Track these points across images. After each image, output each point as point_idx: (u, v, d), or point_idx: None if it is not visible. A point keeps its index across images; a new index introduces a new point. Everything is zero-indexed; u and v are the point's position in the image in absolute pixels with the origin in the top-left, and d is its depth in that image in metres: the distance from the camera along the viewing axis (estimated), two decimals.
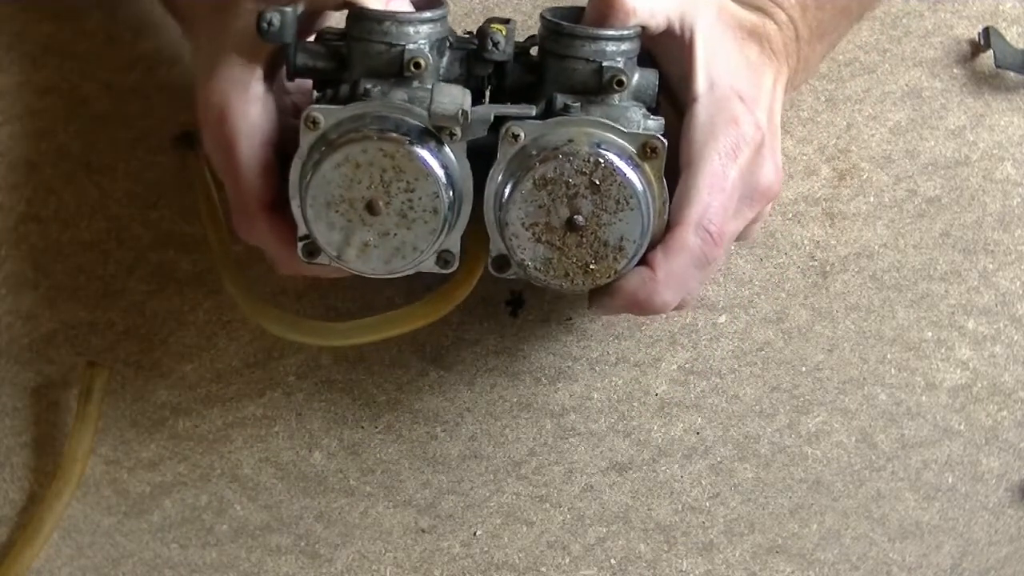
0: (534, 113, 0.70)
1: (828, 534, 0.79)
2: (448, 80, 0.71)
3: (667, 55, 0.72)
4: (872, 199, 0.78)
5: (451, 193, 0.68)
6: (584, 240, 0.68)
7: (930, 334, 0.82)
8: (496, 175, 0.69)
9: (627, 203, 0.68)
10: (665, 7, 0.71)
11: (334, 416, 0.81)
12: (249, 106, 0.70)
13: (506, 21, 0.72)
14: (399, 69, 0.69)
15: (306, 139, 0.68)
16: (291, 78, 0.71)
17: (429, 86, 0.68)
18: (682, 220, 0.70)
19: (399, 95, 0.69)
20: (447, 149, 0.68)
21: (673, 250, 0.70)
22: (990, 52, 0.85)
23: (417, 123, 0.68)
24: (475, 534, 0.79)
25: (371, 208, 0.68)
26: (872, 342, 0.81)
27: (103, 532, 0.78)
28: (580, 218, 0.68)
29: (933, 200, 0.84)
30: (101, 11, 0.86)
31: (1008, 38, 0.86)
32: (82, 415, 0.78)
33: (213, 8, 0.72)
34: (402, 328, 0.73)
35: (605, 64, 0.69)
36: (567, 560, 0.78)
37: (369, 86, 0.69)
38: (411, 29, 0.69)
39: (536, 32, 0.73)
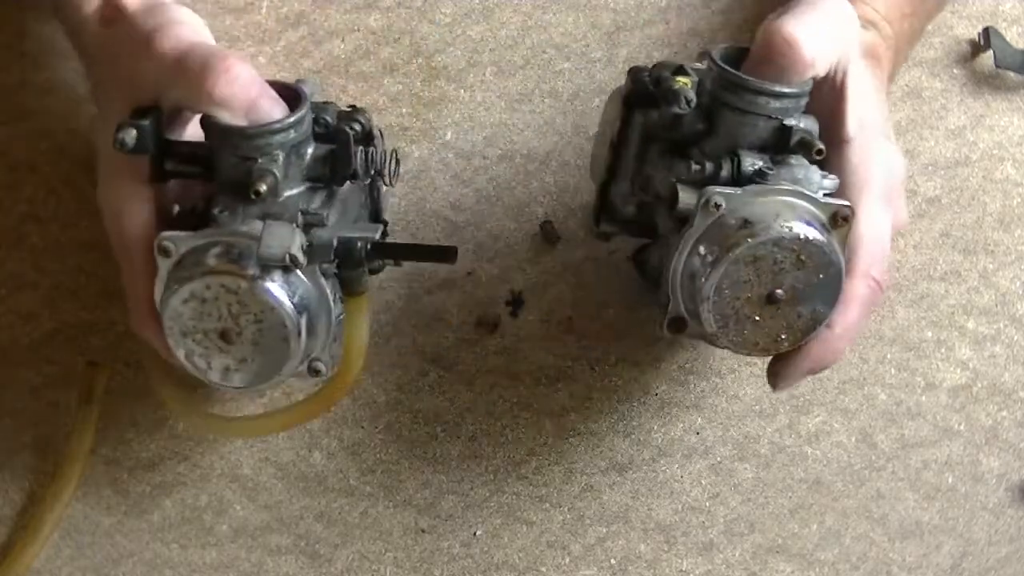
0: (377, 237, 0.69)
1: (828, 534, 0.79)
2: (312, 178, 0.70)
3: (816, 95, 0.71)
4: None
5: (304, 318, 0.68)
6: (780, 312, 0.68)
7: (930, 334, 0.82)
8: (690, 240, 0.68)
9: (827, 276, 0.67)
10: (830, 53, 0.70)
11: (334, 416, 0.81)
12: (141, 210, 0.69)
13: (681, 69, 0.71)
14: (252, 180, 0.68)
15: (163, 265, 0.68)
16: (158, 181, 0.70)
17: (281, 199, 0.68)
18: (851, 272, 0.70)
19: (253, 212, 0.68)
20: (297, 273, 0.68)
21: (847, 303, 0.70)
22: (990, 52, 0.85)
23: (256, 244, 0.67)
24: (475, 534, 0.79)
25: (224, 337, 0.68)
26: (872, 342, 0.81)
27: (103, 532, 0.78)
28: (781, 292, 0.68)
29: (933, 200, 0.84)
30: None
31: (1008, 38, 0.86)
32: (82, 415, 0.78)
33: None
34: (291, 425, 0.75)
35: (788, 123, 0.68)
36: (567, 560, 0.78)
37: (218, 210, 0.68)
38: (261, 142, 0.68)
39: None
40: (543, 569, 0.78)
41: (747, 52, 0.71)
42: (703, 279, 0.67)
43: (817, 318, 0.68)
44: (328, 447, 0.80)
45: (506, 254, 0.83)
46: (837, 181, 0.69)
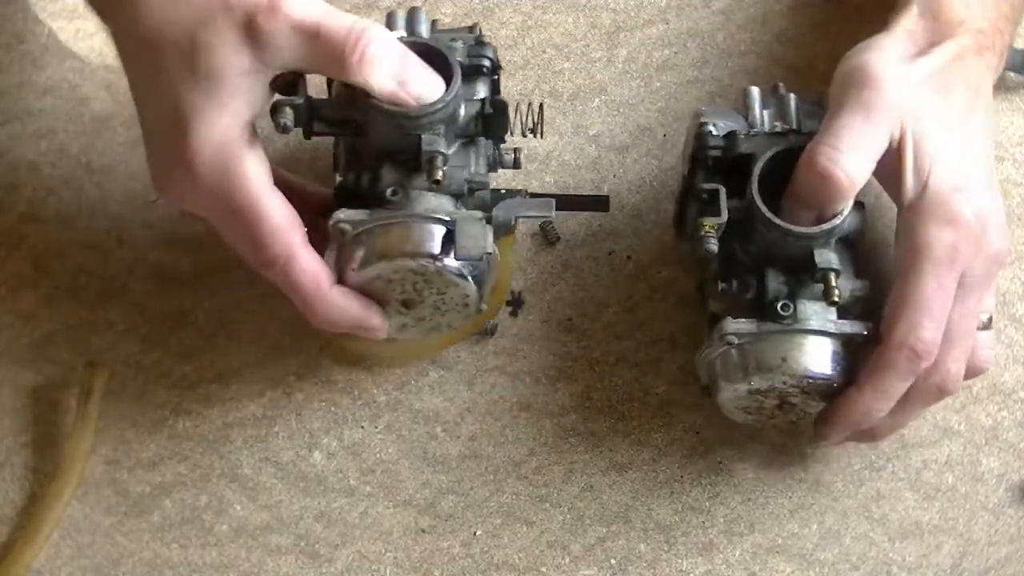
0: (552, 213, 0.73)
1: (828, 534, 0.79)
2: (465, 135, 0.71)
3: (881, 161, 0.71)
4: (872, 199, 0.77)
5: (481, 282, 0.71)
6: (791, 412, 0.75)
7: None
8: (710, 354, 0.74)
9: (832, 395, 0.73)
10: (870, 164, 0.69)
11: (334, 416, 0.81)
12: (255, 153, 0.68)
13: (717, 215, 0.72)
14: (415, 152, 0.69)
15: (335, 243, 0.71)
16: (305, 138, 0.72)
17: (445, 168, 0.69)
18: (888, 340, 0.70)
19: (419, 183, 0.70)
20: None
21: (878, 369, 0.70)
22: None
23: (441, 226, 0.69)
24: (475, 534, 0.79)
25: (406, 305, 0.72)
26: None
27: (103, 532, 0.78)
28: (788, 406, 0.74)
29: None
30: None
31: None
32: (82, 415, 0.78)
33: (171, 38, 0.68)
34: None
35: (818, 261, 0.71)
36: (567, 560, 0.78)
37: (390, 192, 0.69)
38: (424, 121, 0.69)
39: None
40: (543, 569, 0.78)
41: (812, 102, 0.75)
42: (716, 392, 0.75)
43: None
44: (328, 447, 0.80)
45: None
46: (867, 284, 0.72)
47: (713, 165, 0.74)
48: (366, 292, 0.71)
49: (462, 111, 0.71)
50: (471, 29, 0.76)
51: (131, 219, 0.83)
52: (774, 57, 0.87)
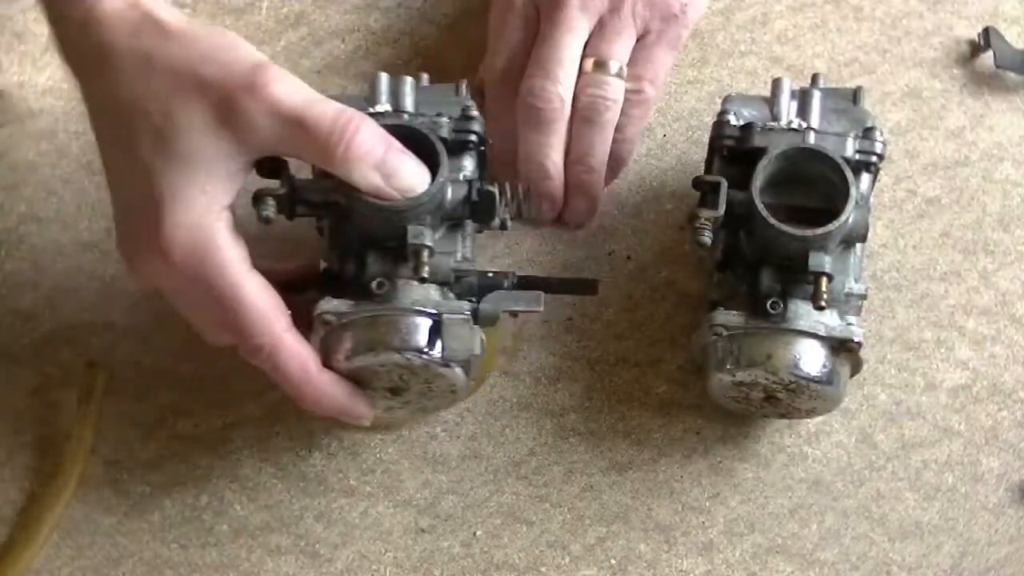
0: (540, 307, 0.73)
1: (828, 534, 0.79)
2: (452, 218, 0.71)
3: None
4: (872, 199, 0.77)
5: (467, 370, 0.71)
6: (779, 406, 0.75)
7: (930, 334, 0.82)
8: (699, 341, 0.74)
9: (816, 392, 0.73)
10: None
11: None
12: (232, 237, 0.67)
13: (714, 188, 0.72)
14: (401, 239, 0.68)
15: (318, 334, 0.70)
16: (288, 217, 0.70)
17: (429, 258, 0.69)
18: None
19: (404, 272, 0.69)
20: None
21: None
22: (990, 52, 0.85)
23: (428, 319, 0.69)
24: (475, 534, 0.79)
25: (393, 392, 0.72)
26: (872, 342, 0.80)
27: (103, 532, 0.78)
28: (775, 400, 0.75)
29: (933, 200, 0.84)
30: None
31: (1008, 38, 0.86)
32: (82, 415, 0.78)
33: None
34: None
35: (811, 264, 0.71)
36: (567, 560, 0.78)
37: (375, 284, 0.69)
38: (409, 213, 0.69)
39: None
40: (543, 569, 0.78)
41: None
42: (706, 378, 0.75)
43: (817, 411, 0.76)
44: (328, 447, 0.80)
45: (506, 254, 0.83)
46: (867, 286, 0.74)
47: (729, 155, 0.74)
48: (352, 379, 0.71)
49: (448, 195, 0.70)
50: (456, 90, 0.75)
51: None
52: (774, 57, 0.87)
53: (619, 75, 0.80)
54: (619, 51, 0.80)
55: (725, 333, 0.72)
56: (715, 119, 0.75)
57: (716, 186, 0.72)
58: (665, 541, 0.79)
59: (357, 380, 0.71)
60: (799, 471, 0.80)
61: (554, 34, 0.79)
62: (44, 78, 0.85)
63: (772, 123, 0.74)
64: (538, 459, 0.80)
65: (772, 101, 0.75)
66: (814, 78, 0.77)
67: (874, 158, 0.74)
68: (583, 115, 0.79)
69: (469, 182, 0.72)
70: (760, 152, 0.73)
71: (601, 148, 0.80)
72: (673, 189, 0.84)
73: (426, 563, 0.78)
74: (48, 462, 0.79)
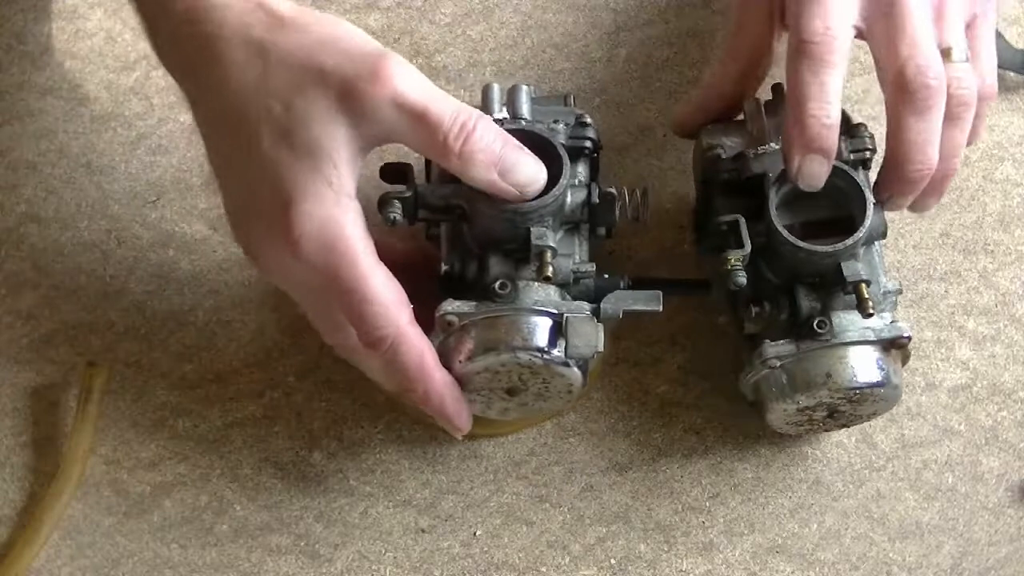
0: (659, 307, 0.72)
1: (828, 534, 0.79)
2: (570, 222, 0.71)
3: None
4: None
5: (585, 368, 0.72)
6: (841, 418, 0.75)
7: (930, 334, 0.82)
8: (753, 376, 0.74)
9: (880, 400, 0.74)
10: None
11: (334, 416, 0.81)
12: (359, 229, 0.66)
13: (734, 227, 0.72)
14: (522, 242, 0.69)
15: (438, 336, 0.70)
16: (410, 223, 0.71)
17: (553, 259, 0.69)
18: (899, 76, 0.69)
19: (526, 274, 0.70)
20: None
21: (903, 112, 0.69)
22: None
23: (549, 319, 0.70)
24: (475, 534, 0.79)
25: (510, 392, 0.72)
26: None
27: (103, 532, 0.78)
28: (838, 415, 0.74)
29: None
30: (101, 11, 0.86)
31: (1008, 38, 0.86)
32: (82, 415, 0.78)
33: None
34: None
35: (847, 274, 0.70)
36: (567, 560, 0.78)
37: (498, 285, 0.69)
38: (534, 215, 0.69)
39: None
40: (543, 569, 0.78)
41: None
42: (765, 412, 0.75)
43: (878, 413, 0.76)
44: (328, 447, 0.80)
45: None
46: (899, 281, 0.74)
47: (726, 187, 0.74)
48: (471, 381, 0.71)
49: (568, 199, 0.71)
50: (565, 101, 0.75)
51: (131, 219, 0.83)
52: (773, 57, 0.87)
53: (967, 63, 0.72)
54: (961, 38, 0.72)
55: (779, 364, 0.72)
56: (700, 155, 0.75)
57: (736, 224, 0.71)
58: (665, 541, 0.79)
59: (476, 383, 0.71)
60: (799, 471, 0.80)
61: (907, 7, 0.70)
62: (44, 78, 0.85)
63: (762, 147, 0.73)
64: (538, 459, 0.80)
65: (750, 124, 0.75)
66: (776, 88, 0.76)
67: (867, 153, 0.73)
68: (950, 109, 0.71)
69: (587, 185, 0.72)
70: (759, 178, 0.72)
71: (962, 146, 0.73)
72: (673, 189, 0.84)
73: (426, 563, 0.78)
74: (48, 462, 0.79)
